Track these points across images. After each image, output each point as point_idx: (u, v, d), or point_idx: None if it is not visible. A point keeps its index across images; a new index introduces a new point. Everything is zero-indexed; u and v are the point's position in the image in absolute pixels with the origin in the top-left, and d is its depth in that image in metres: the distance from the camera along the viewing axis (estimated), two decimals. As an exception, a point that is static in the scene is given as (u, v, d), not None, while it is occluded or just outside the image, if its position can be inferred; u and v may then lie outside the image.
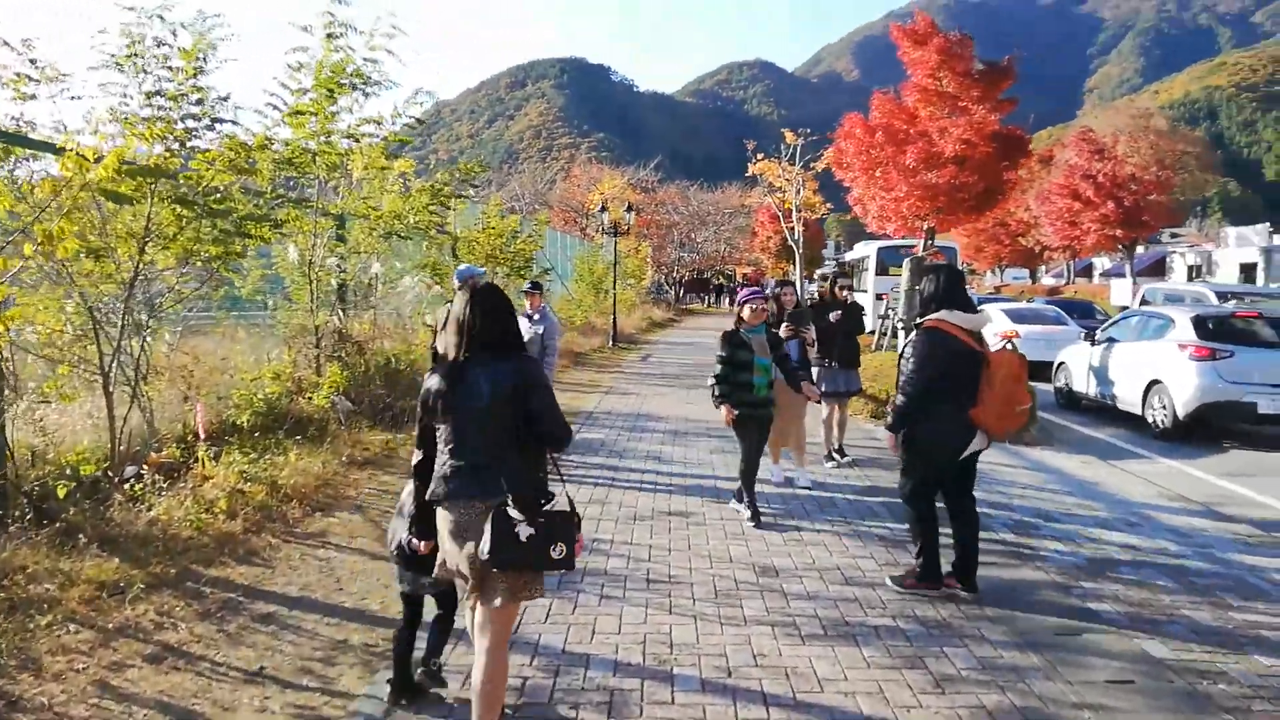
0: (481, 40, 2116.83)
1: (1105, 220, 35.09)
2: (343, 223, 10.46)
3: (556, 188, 45.27)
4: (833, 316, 8.39)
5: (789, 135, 26.40)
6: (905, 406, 4.90)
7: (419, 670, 3.78)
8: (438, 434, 3.25)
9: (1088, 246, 38.76)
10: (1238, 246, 45.96)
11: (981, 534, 5.95)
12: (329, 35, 8.14)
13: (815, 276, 32.45)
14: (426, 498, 3.27)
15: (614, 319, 21.27)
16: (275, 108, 8.02)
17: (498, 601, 3.18)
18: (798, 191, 26.52)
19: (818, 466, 8.34)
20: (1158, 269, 49.10)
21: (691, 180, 51.67)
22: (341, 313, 10.31)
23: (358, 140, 9.21)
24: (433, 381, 3.27)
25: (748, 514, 6.36)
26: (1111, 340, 12.03)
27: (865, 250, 28.67)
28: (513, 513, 3.05)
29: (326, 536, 6.04)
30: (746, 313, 6.48)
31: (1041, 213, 38.85)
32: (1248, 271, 43.61)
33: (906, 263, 14.16)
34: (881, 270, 25.45)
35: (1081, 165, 36.78)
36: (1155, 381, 10.68)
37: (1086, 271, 56.62)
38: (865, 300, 25.96)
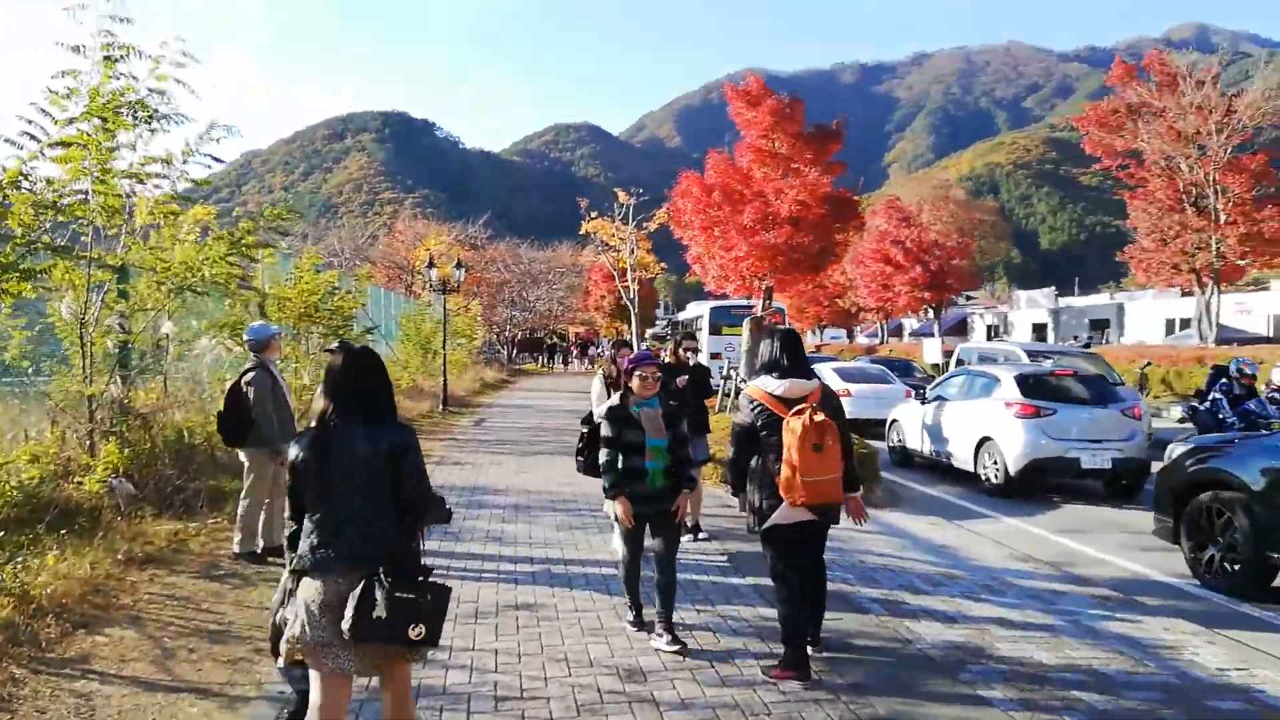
0: (297, 90, 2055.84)
1: (914, 283, 37.45)
2: (125, 275, 9.14)
3: (379, 243, 43.56)
4: (680, 381, 7.91)
5: (621, 195, 26.42)
6: (728, 471, 5.00)
7: None
8: (306, 501, 3.14)
9: (899, 307, 41.19)
10: (1028, 308, 50.31)
11: (856, 615, 5.59)
12: (107, 58, 7.01)
13: (646, 336, 32.52)
14: (292, 568, 3.14)
15: (444, 381, 20.18)
16: (34, 138, 6.77)
17: (377, 674, 3.21)
18: (631, 251, 26.51)
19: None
20: (960, 329, 52.97)
21: (521, 238, 51.22)
22: (120, 380, 8.93)
23: (142, 181, 8.05)
24: (302, 445, 3.16)
25: (631, 615, 5.42)
26: (941, 399, 12.33)
27: (698, 310, 29.00)
28: (379, 586, 2.97)
29: (90, 662, 4.85)
30: (635, 383, 5.17)
31: (857, 275, 41.00)
32: (1039, 331, 47.76)
33: (746, 322, 14.11)
34: (715, 330, 25.68)
35: (891, 231, 39.20)
36: (986, 439, 10.94)
37: (897, 331, 60.29)
38: (702, 360, 26.24)
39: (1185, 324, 37.45)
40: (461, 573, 6.68)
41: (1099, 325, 43.08)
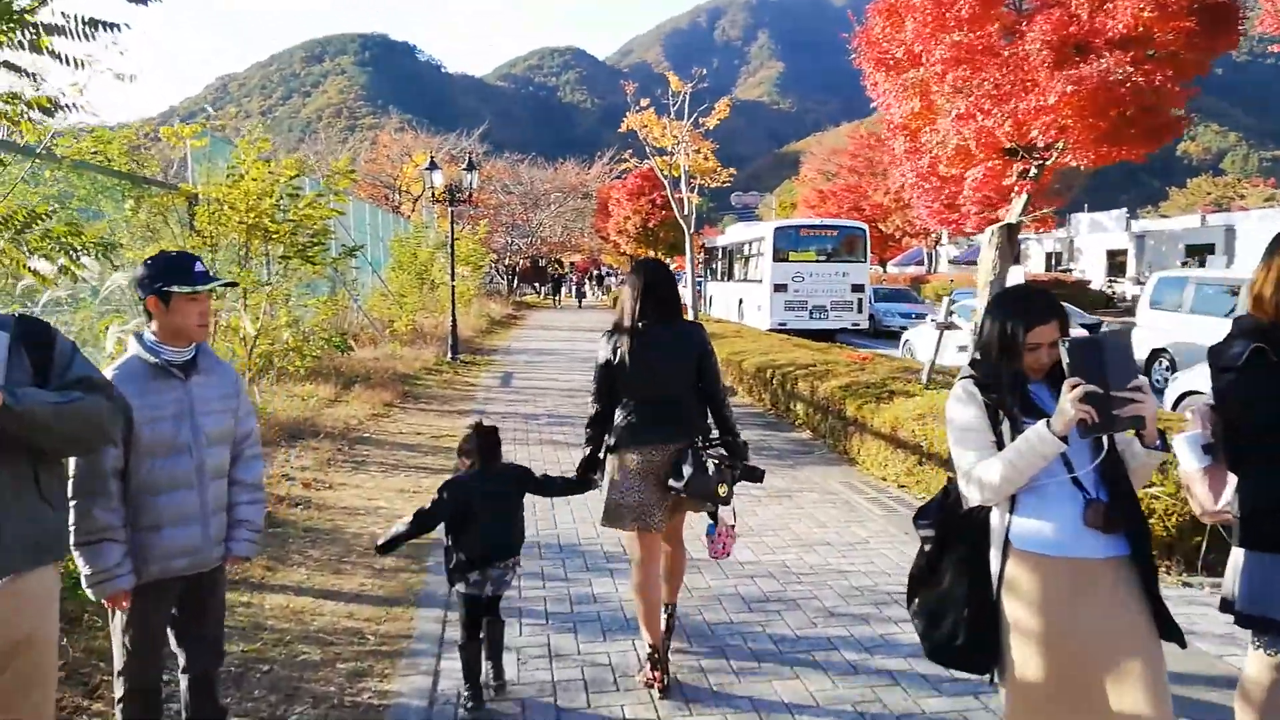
0: (270, 10, 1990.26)
1: (987, 202, 32.24)
2: None
3: (361, 159, 38.00)
4: None
5: (675, 82, 21.02)
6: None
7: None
8: (624, 388, 3.57)
9: (966, 230, 36.12)
10: (1093, 233, 44.90)
11: None
12: None
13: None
14: (612, 443, 3.61)
15: (453, 322, 15.25)
16: None
17: (680, 515, 3.79)
18: (688, 155, 21.13)
19: None
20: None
21: (523, 154, 45.51)
22: None
23: None
24: (618, 344, 3.57)
25: None
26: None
27: (753, 232, 23.76)
28: (703, 451, 3.56)
29: None
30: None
31: (915, 193, 35.64)
32: (1114, 258, 42.59)
33: (994, 232, 9.39)
34: (780, 257, 20.62)
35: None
36: None
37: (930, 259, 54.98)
38: (762, 294, 21.04)
39: (1320, 249, 32.25)
40: None
41: (1196, 251, 37.87)
